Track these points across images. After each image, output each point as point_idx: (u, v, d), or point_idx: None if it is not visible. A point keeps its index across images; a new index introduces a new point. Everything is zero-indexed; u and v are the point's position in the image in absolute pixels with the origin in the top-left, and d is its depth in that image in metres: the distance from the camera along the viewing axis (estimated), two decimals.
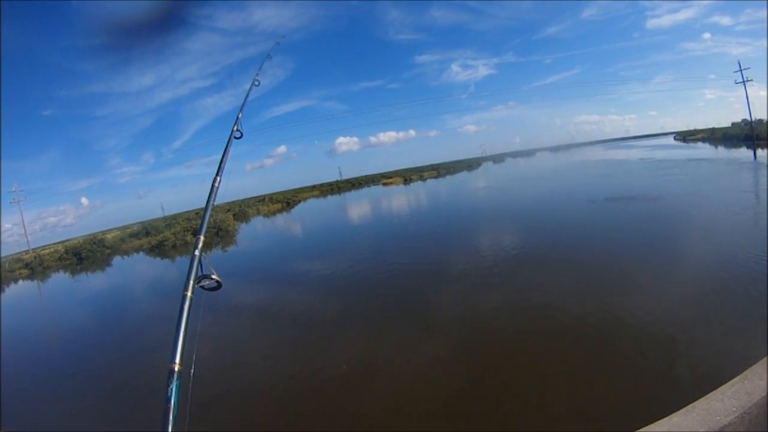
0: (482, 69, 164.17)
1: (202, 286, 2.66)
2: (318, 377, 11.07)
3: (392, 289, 17.66)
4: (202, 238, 2.96)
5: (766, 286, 11.29)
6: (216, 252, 38.38)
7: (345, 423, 9.11)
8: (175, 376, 2.21)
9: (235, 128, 4.59)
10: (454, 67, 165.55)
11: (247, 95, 5.62)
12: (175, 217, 79.47)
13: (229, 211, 65.88)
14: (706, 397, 3.48)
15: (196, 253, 2.79)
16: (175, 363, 2.24)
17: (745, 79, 56.73)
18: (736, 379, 3.66)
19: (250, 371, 12.35)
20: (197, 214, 54.74)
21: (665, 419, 3.28)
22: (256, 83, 6.08)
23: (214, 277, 2.69)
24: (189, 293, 2.53)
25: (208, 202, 3.43)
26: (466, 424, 8.38)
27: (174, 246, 48.92)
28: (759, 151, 50.14)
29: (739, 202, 22.70)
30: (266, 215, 73.76)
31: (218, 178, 3.67)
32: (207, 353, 11.63)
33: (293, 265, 26.17)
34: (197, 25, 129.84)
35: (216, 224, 47.00)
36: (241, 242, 44.24)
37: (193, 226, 48.47)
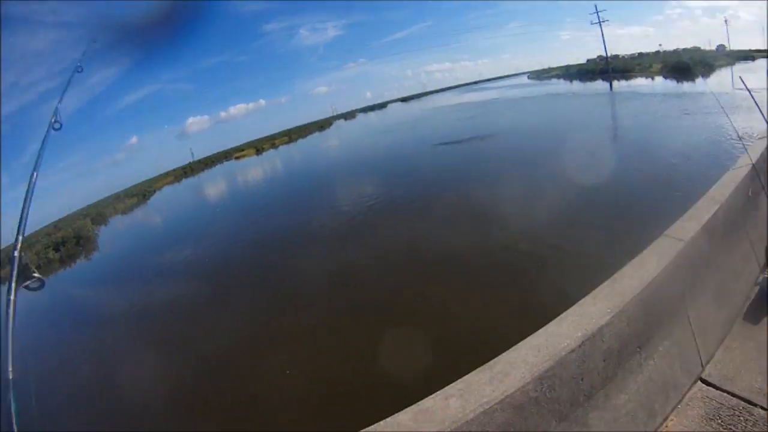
0: (331, 30, 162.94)
1: (26, 287, 2.48)
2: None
3: (257, 262, 17.68)
4: (21, 237, 2.74)
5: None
6: (81, 262, 36.22)
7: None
8: (11, 384, 2.07)
9: (53, 119, 4.24)
10: (303, 32, 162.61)
11: (69, 83, 5.17)
12: (35, 234, 73.90)
13: (86, 216, 62.01)
14: (577, 304, 3.64)
15: (16, 254, 2.58)
16: (9, 371, 2.09)
17: (601, 20, 60.36)
18: (607, 282, 3.90)
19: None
20: (56, 228, 51.38)
21: (541, 330, 3.36)
22: (79, 69, 5.59)
23: (36, 275, 2.51)
24: (12, 297, 2.36)
25: (26, 199, 3.18)
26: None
27: (38, 267, 45.36)
28: (615, 83, 53.74)
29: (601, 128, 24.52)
30: (124, 212, 70.24)
31: (35, 174, 3.41)
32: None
33: (157, 258, 25.15)
34: (42, 23, 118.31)
35: (75, 233, 44.19)
36: (104, 246, 41.89)
37: (55, 240, 45.24)
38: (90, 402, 10.56)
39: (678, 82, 51.01)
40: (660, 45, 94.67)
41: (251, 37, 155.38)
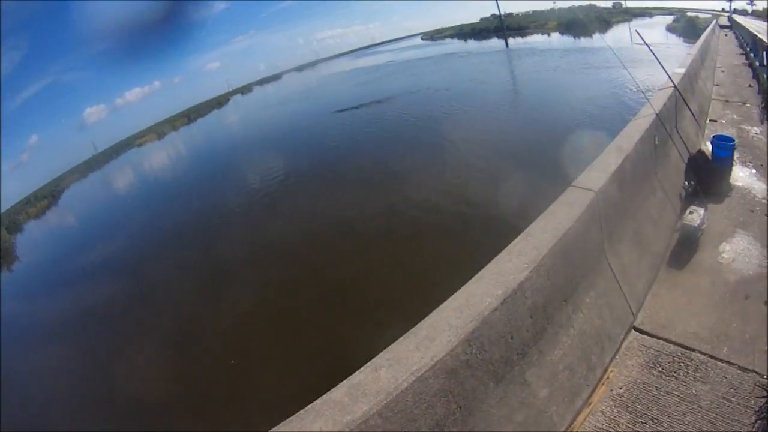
0: (218, 4, 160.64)
1: None
2: None
3: (178, 252, 17.35)
4: None
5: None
6: (4, 276, 34.38)
7: None
8: None
9: None
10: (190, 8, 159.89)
11: None
12: None
13: None
14: (493, 261, 3.51)
15: None
16: None
17: None
18: (519, 237, 3.77)
19: None
20: None
21: (460, 291, 3.24)
22: None
23: None
24: None
25: None
26: None
27: None
28: (511, 40, 54.73)
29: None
30: (37, 216, 67.40)
31: None
32: None
33: (79, 260, 24.14)
34: None
35: None
36: (24, 255, 39.91)
37: None
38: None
39: (575, 38, 52.77)
40: (554, 2, 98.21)
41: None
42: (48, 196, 79.73)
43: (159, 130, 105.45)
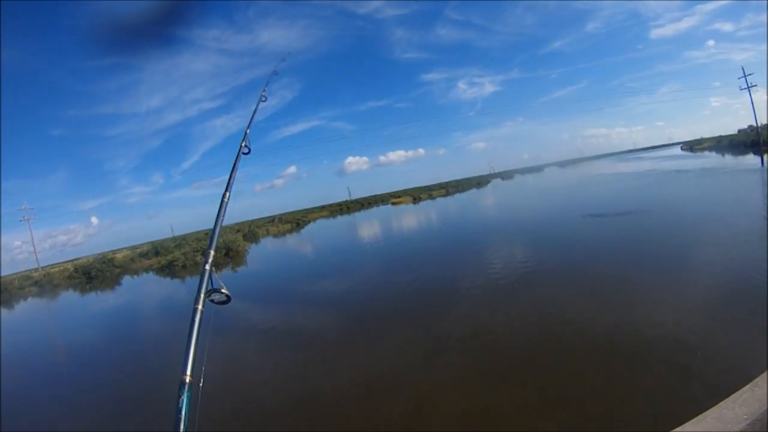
0: (489, 86, 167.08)
1: (212, 300, 2.69)
2: (328, 395, 10.99)
3: (401, 308, 17.49)
4: (212, 252, 2.99)
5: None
6: (226, 272, 38.53)
7: None
8: (186, 387, 2.25)
9: (243, 144, 4.63)
10: (461, 85, 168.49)
11: (255, 111, 5.60)
12: (184, 237, 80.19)
13: (238, 231, 66.21)
14: (717, 405, 3.43)
15: (206, 267, 2.83)
16: (186, 375, 2.28)
17: (749, 85, 56.52)
18: (747, 386, 3.63)
19: (260, 387, 12.40)
20: (206, 234, 55.16)
21: (676, 429, 3.24)
22: (263, 99, 6.06)
23: (223, 291, 2.72)
24: (200, 306, 2.57)
25: (218, 217, 3.46)
26: None
27: (184, 266, 49.03)
28: (766, 157, 50.80)
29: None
30: (276, 236, 73.97)
31: (227, 194, 3.72)
32: (218, 370, 11.71)
33: (301, 285, 26.17)
34: (205, 47, 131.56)
35: (225, 245, 47.17)
36: (251, 262, 44.26)
37: (203, 247, 48.66)
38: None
39: None
40: None
41: (410, 86, 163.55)
42: (292, 222, 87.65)
43: (415, 195, 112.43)
